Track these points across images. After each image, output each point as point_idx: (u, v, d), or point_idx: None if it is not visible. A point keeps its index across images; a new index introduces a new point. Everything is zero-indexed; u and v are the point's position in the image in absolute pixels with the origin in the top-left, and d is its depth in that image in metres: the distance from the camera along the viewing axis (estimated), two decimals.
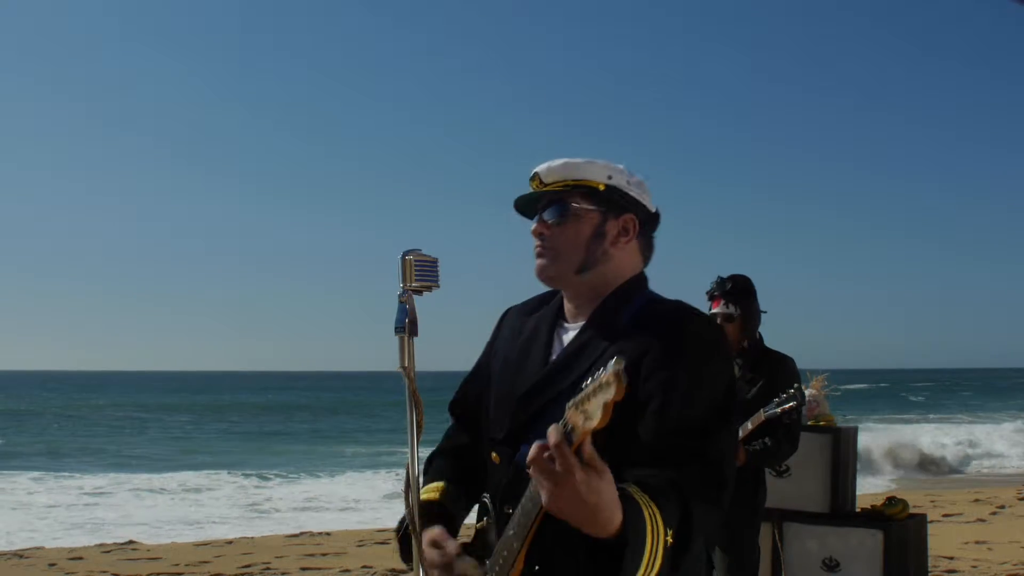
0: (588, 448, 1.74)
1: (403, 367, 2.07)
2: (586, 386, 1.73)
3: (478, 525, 2.19)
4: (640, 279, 2.25)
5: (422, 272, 2.11)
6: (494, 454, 2.21)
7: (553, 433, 1.74)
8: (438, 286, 2.13)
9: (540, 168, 2.22)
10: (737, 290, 4.97)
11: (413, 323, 2.08)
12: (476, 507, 2.28)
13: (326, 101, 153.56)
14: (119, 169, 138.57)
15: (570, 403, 1.75)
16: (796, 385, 4.80)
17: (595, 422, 1.69)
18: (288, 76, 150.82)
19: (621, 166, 2.24)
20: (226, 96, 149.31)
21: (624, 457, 1.95)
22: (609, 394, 1.66)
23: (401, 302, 2.10)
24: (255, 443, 30.65)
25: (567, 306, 2.27)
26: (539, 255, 2.21)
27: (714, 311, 5.03)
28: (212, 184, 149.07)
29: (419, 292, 2.11)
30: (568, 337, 2.21)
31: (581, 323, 2.20)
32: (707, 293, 5.07)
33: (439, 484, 2.31)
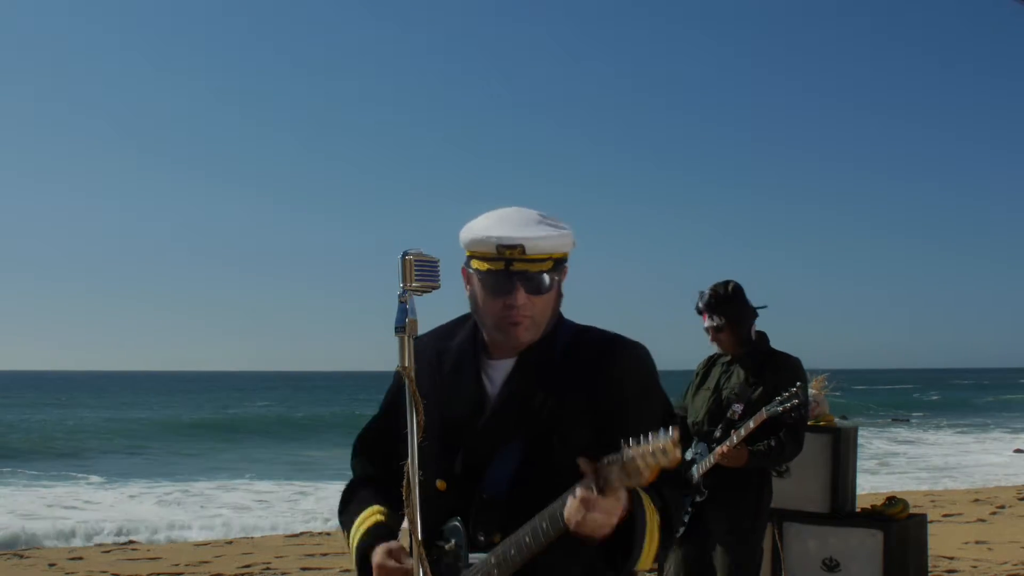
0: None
1: (403, 367, 2.07)
2: (633, 444, 1.88)
3: (447, 546, 2.21)
4: (559, 313, 2.32)
5: (422, 272, 2.10)
6: (439, 482, 2.24)
7: (585, 489, 1.95)
8: (439, 286, 2.13)
9: (522, 240, 2.16)
10: (718, 300, 4.97)
11: (413, 323, 2.08)
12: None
13: (326, 102, 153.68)
14: (119, 169, 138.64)
15: (611, 458, 1.90)
16: (799, 384, 4.80)
17: (642, 480, 1.90)
18: (288, 77, 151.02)
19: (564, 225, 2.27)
20: (226, 97, 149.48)
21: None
22: (666, 460, 1.86)
23: (401, 302, 2.09)
24: (254, 445, 30.63)
25: (487, 337, 2.29)
26: (517, 324, 2.21)
27: (704, 325, 5.05)
28: (211, 185, 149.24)
29: (419, 292, 2.10)
30: (496, 373, 2.27)
31: (507, 359, 2.27)
32: (695, 309, 5.08)
33: (379, 507, 2.33)
